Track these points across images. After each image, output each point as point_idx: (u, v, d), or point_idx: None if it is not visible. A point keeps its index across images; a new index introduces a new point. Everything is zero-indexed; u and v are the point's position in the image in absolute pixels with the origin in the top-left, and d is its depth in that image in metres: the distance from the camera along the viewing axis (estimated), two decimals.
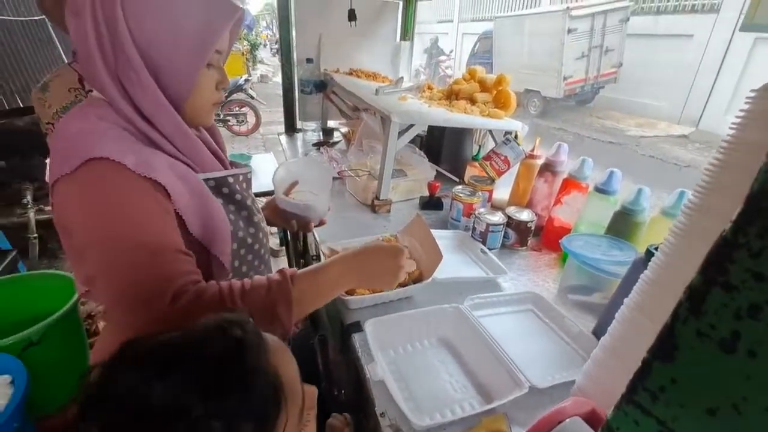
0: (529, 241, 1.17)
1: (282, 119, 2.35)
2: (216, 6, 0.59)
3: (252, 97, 5.64)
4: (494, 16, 9.68)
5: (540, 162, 1.24)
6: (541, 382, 0.69)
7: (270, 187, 0.95)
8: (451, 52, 12.32)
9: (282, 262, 2.71)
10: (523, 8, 10.62)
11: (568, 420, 0.46)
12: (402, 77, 1.75)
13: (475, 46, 10.67)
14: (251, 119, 5.77)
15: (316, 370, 0.98)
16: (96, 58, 0.55)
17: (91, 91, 0.61)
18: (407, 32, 2.34)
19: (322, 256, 1.04)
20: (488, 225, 1.10)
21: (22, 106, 3.18)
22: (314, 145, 2.02)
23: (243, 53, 8.74)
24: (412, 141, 1.40)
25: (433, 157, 1.67)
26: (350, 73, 2.08)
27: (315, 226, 0.98)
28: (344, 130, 2.15)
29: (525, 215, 1.13)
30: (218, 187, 0.68)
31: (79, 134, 0.55)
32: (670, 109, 8.13)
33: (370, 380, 0.69)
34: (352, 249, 0.69)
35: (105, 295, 0.54)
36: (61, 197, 0.54)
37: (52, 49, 4.21)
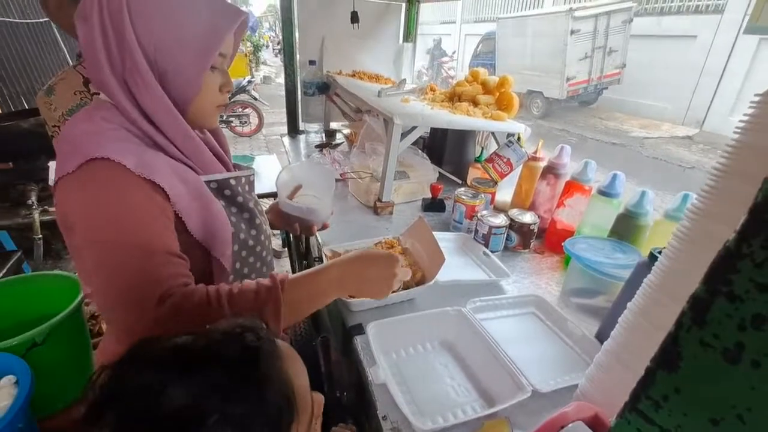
0: (532, 244, 1.16)
1: (285, 120, 2.36)
2: (220, 11, 0.60)
3: (255, 99, 5.66)
4: (497, 17, 9.66)
5: (543, 164, 1.23)
6: (544, 386, 0.68)
7: (273, 189, 0.95)
8: (453, 53, 12.32)
9: (284, 264, 2.71)
10: (525, 9, 10.61)
11: (570, 425, 0.46)
12: (404, 79, 1.75)
13: (477, 47, 10.67)
14: (254, 120, 5.79)
15: (318, 372, 0.98)
16: (103, 61, 0.56)
17: (97, 93, 0.62)
18: (410, 34, 2.35)
19: (324, 258, 1.04)
20: (491, 227, 1.10)
21: (27, 108, 3.20)
22: (317, 146, 2.02)
23: (246, 55, 8.77)
24: (415, 143, 1.40)
25: (436, 159, 1.67)
26: (353, 75, 2.08)
27: (318, 230, 0.98)
28: (347, 131, 2.15)
29: (528, 218, 1.13)
30: (220, 189, 0.69)
31: (83, 135, 0.56)
32: (674, 110, 8.10)
33: (372, 383, 0.69)
34: (347, 255, 0.67)
35: (96, 293, 0.54)
36: (62, 196, 0.55)
37: (57, 52, 4.24)
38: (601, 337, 0.80)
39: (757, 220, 0.19)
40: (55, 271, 1.49)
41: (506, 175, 1.33)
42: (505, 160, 1.31)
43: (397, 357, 0.78)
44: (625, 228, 0.97)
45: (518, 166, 1.31)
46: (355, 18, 1.91)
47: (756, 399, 0.20)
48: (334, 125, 2.31)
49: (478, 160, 1.52)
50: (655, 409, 0.24)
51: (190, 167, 0.64)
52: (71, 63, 1.03)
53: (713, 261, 0.20)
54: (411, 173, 1.48)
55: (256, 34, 12.56)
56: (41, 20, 3.97)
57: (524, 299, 0.94)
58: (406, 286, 0.91)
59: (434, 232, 0.95)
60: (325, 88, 2.14)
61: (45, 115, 1.07)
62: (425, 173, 1.49)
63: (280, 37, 2.18)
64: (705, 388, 0.22)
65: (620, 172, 1.03)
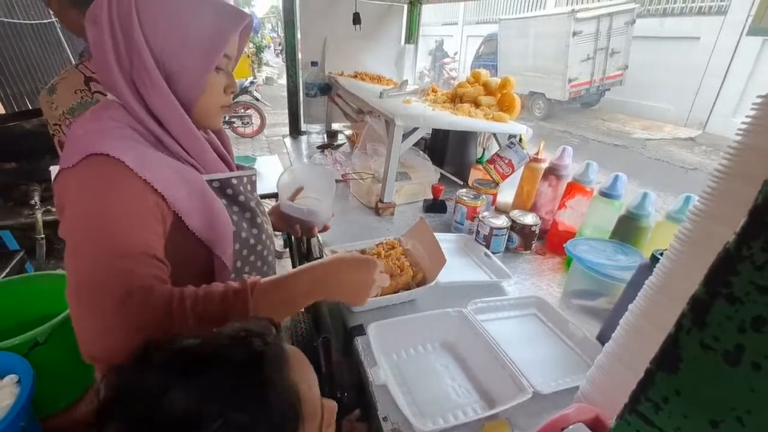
0: (534, 245, 1.16)
1: (287, 121, 2.36)
2: (224, 13, 0.61)
3: (257, 99, 5.67)
4: (499, 18, 9.65)
5: (544, 166, 1.23)
6: (545, 387, 0.68)
7: (274, 190, 0.96)
8: (455, 54, 12.32)
9: (286, 264, 2.72)
10: (528, 11, 10.61)
11: (571, 426, 0.46)
12: (406, 80, 1.75)
13: (479, 48, 10.67)
14: (256, 121, 5.80)
15: (319, 372, 0.98)
16: (112, 62, 0.57)
17: (98, 92, 0.63)
18: (412, 35, 2.35)
19: None
20: (492, 228, 1.10)
21: (30, 108, 3.22)
22: (318, 147, 2.02)
23: (248, 56, 8.80)
24: (416, 144, 1.40)
25: (437, 160, 1.67)
26: (355, 76, 2.09)
27: (318, 232, 0.98)
28: (348, 132, 2.16)
29: (529, 219, 1.13)
30: (222, 188, 0.69)
31: (87, 133, 0.57)
32: (676, 112, 8.07)
33: (372, 384, 0.69)
34: (326, 258, 0.66)
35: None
36: (59, 189, 0.56)
37: (60, 53, 4.26)
38: (603, 338, 0.80)
39: (757, 222, 0.19)
40: (58, 271, 1.50)
41: (508, 176, 1.32)
42: (506, 161, 1.31)
43: (397, 358, 0.78)
44: (627, 229, 0.97)
45: (520, 167, 1.31)
46: (357, 19, 1.91)
47: (756, 401, 0.20)
48: (335, 126, 2.32)
49: (479, 161, 1.52)
50: (655, 411, 0.24)
51: (193, 166, 0.65)
52: (74, 63, 1.03)
53: (713, 263, 0.20)
54: (412, 174, 1.48)
55: (259, 35, 12.61)
56: (45, 21, 4.00)
57: (525, 301, 0.94)
58: (407, 287, 0.91)
59: (435, 233, 0.95)
60: (326, 89, 2.14)
61: (47, 114, 1.08)
62: (427, 174, 1.49)
63: (282, 39, 2.19)
64: (705, 390, 0.22)
65: (622, 173, 1.02)
